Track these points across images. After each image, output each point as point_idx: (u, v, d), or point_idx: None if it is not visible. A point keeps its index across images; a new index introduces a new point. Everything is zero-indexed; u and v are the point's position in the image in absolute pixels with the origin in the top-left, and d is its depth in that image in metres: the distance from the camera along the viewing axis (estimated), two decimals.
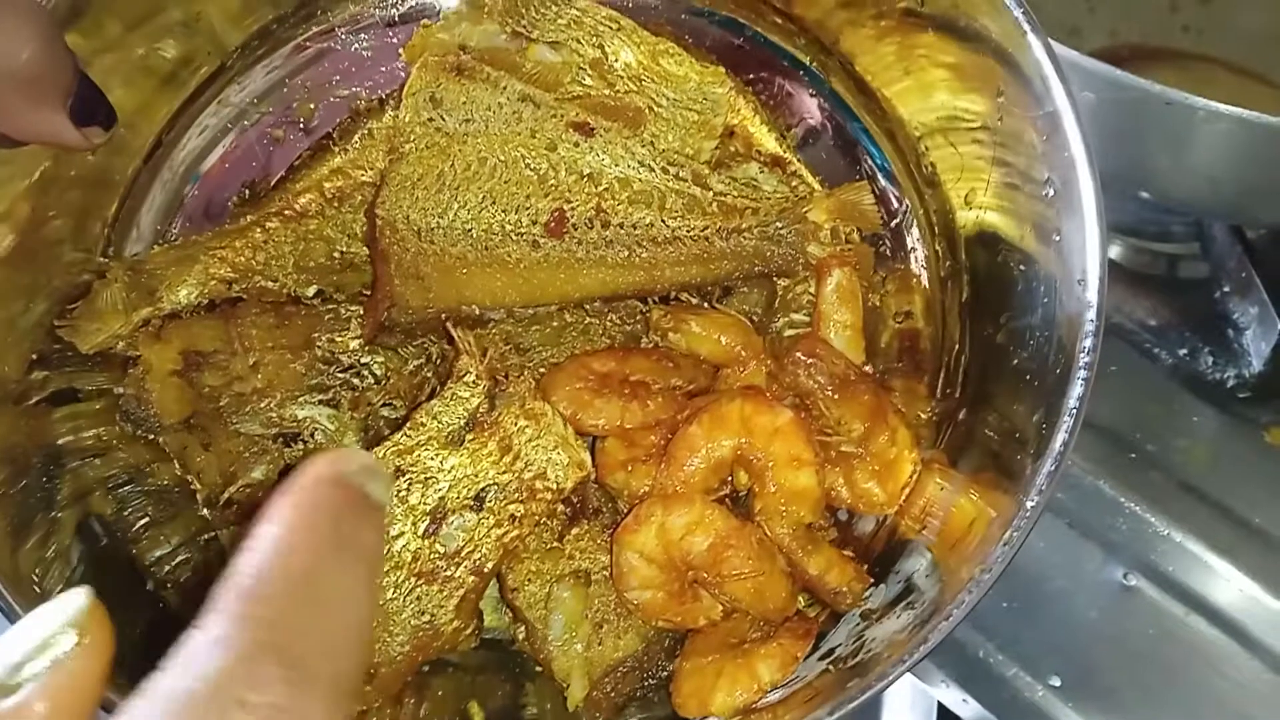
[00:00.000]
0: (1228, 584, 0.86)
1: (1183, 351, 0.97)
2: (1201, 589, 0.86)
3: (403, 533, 0.61)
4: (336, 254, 0.74)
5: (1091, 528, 0.88)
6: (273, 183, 0.76)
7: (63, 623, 0.28)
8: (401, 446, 0.62)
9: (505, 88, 0.69)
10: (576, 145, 0.69)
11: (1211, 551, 0.87)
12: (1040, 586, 0.86)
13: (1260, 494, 0.90)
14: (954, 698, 0.83)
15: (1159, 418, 0.94)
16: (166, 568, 0.68)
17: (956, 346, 0.72)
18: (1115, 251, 1.04)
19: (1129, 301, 0.99)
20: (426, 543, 0.61)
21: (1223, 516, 0.89)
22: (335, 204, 0.74)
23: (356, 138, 0.76)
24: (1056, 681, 0.83)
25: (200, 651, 0.26)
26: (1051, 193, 0.60)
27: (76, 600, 0.28)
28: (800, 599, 0.65)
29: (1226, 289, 0.99)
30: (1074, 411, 0.54)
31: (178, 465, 0.69)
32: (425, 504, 0.61)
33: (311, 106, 0.77)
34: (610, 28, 0.71)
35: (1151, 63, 0.74)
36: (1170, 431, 0.93)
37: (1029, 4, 0.59)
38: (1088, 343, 0.55)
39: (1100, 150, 0.57)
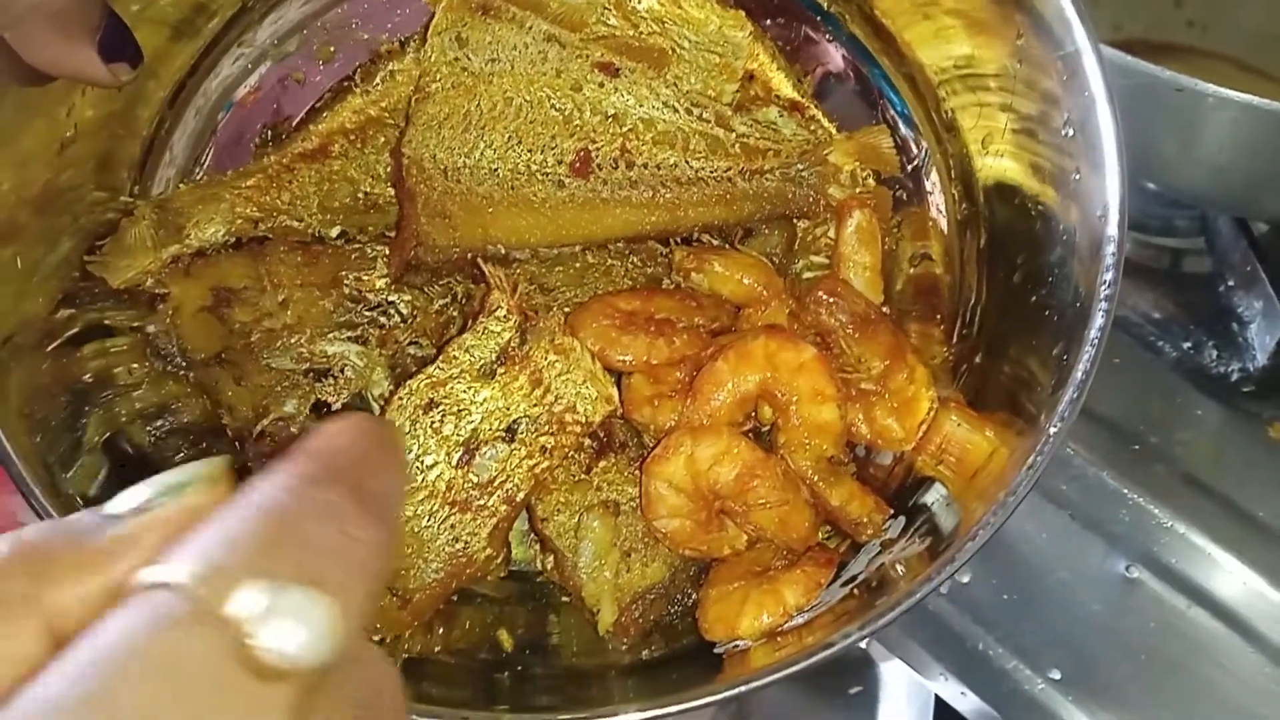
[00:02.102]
0: (1231, 577, 0.86)
1: (1187, 345, 0.97)
2: (1204, 582, 0.86)
3: (437, 462, 0.62)
4: (360, 195, 0.74)
5: (1094, 520, 0.88)
6: (294, 124, 0.77)
7: (196, 473, 0.28)
8: (435, 379, 0.63)
9: (530, 27, 0.69)
10: (601, 86, 0.70)
11: (1215, 544, 0.87)
12: (1041, 579, 0.86)
13: (1264, 488, 0.89)
14: (952, 691, 0.83)
15: (1162, 410, 0.94)
16: None
17: (973, 294, 0.73)
18: None
19: (1132, 294, 0.99)
20: (460, 472, 0.62)
21: (1226, 509, 0.88)
22: (359, 145, 0.75)
23: (378, 79, 0.76)
24: (1056, 675, 0.82)
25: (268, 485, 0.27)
26: (1071, 132, 0.61)
27: (214, 461, 0.28)
28: (821, 533, 0.67)
29: (1231, 283, 0.99)
30: (1095, 341, 0.55)
31: (208, 400, 0.70)
32: (459, 435, 0.62)
33: (332, 49, 0.78)
34: None
35: (1155, 58, 0.74)
36: (1174, 424, 0.93)
37: None
38: (1109, 275, 0.56)
39: None
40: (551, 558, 0.67)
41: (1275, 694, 0.81)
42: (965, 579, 0.85)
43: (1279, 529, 0.87)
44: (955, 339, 0.73)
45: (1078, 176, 0.61)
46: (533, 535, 0.69)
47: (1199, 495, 0.89)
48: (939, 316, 0.75)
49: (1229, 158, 0.82)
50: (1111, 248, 0.57)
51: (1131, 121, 0.78)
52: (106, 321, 0.69)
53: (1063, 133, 0.62)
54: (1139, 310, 0.99)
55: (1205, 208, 1.01)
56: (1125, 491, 0.89)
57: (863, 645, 0.92)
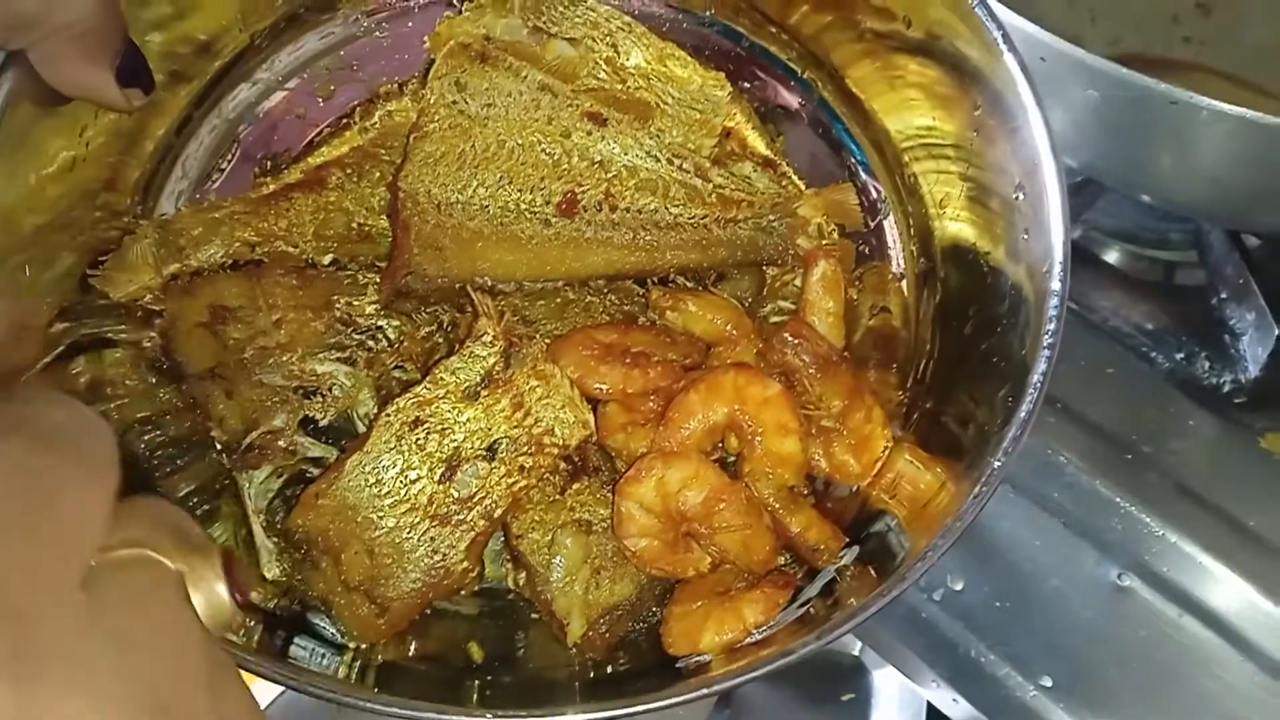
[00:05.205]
0: (1222, 586, 0.86)
1: (1180, 356, 0.98)
2: (1196, 591, 0.86)
3: (420, 477, 0.65)
4: (354, 225, 0.78)
5: (1086, 528, 0.88)
6: (293, 156, 0.81)
7: None
8: (422, 398, 0.66)
9: (526, 77, 0.74)
10: (589, 134, 0.74)
11: (1206, 553, 0.87)
12: (1034, 586, 0.86)
13: (1256, 498, 0.90)
14: (944, 698, 0.84)
15: (1155, 420, 0.94)
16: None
17: (927, 344, 0.78)
18: (1113, 257, 1.05)
19: (1126, 306, 1.00)
20: (442, 488, 0.65)
21: (1218, 519, 0.89)
22: (354, 178, 0.79)
23: (376, 118, 0.80)
24: (1048, 682, 0.83)
25: None
26: (1021, 196, 0.67)
27: None
28: (780, 558, 0.71)
29: (1224, 295, 0.99)
30: (1038, 385, 0.60)
31: (199, 413, 0.72)
32: (442, 452, 0.66)
33: (332, 88, 0.82)
34: (624, 30, 0.77)
35: (1152, 73, 0.71)
36: (1166, 434, 0.93)
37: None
38: (1052, 325, 0.61)
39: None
40: (523, 574, 0.70)
41: (1266, 703, 0.82)
42: (958, 586, 0.86)
43: (1270, 539, 0.88)
44: (909, 385, 0.78)
45: (1025, 237, 0.66)
46: (505, 555, 0.72)
47: (1191, 505, 0.89)
48: (895, 364, 0.79)
49: (1224, 171, 0.82)
50: (1054, 301, 0.62)
51: (1126, 135, 0.79)
52: (105, 334, 0.72)
53: (1013, 198, 0.67)
54: (1132, 321, 0.99)
55: (1199, 220, 1.02)
56: (1118, 500, 0.89)
57: (855, 652, 0.94)
